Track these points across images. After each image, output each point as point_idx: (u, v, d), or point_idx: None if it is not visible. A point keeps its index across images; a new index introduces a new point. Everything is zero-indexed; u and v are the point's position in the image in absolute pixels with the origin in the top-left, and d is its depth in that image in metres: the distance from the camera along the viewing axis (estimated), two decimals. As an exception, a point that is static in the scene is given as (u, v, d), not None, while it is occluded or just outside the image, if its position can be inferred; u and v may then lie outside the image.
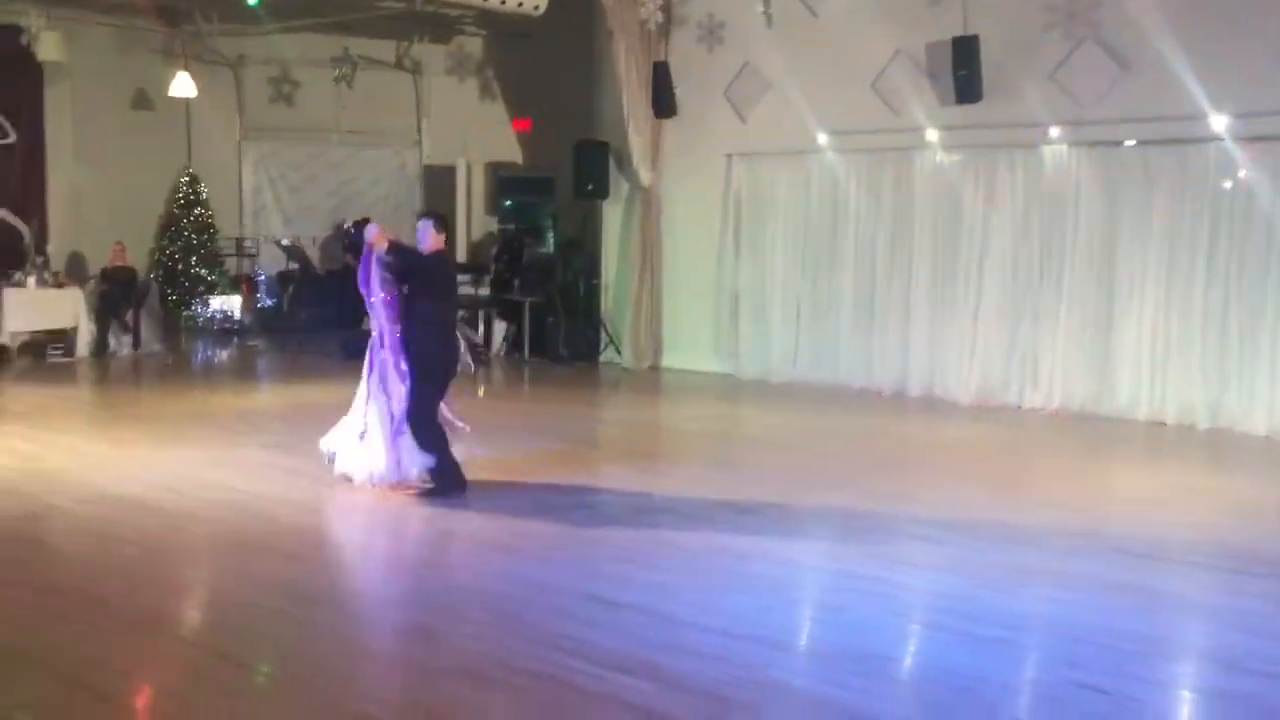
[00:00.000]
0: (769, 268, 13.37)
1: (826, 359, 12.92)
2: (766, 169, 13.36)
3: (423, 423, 7.40)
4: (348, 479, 7.53)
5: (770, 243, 13.35)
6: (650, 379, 13.71)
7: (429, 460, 7.42)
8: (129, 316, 14.78)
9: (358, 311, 15.76)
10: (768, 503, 7.54)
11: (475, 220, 17.59)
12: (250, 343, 15.82)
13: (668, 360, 14.24)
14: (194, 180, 17.23)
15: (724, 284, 13.77)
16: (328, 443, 7.68)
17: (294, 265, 17.23)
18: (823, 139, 12.79)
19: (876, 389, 12.48)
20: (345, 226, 12.67)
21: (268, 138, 17.79)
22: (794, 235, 13.17)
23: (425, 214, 7.72)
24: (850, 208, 12.74)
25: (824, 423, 10.87)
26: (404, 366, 7.35)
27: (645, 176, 14.03)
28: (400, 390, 7.38)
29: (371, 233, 7.42)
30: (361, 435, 7.43)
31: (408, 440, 7.41)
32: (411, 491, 7.40)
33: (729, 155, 13.58)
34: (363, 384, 7.50)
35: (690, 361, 14.00)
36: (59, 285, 14.40)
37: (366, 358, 7.49)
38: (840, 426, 10.71)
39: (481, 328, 15.24)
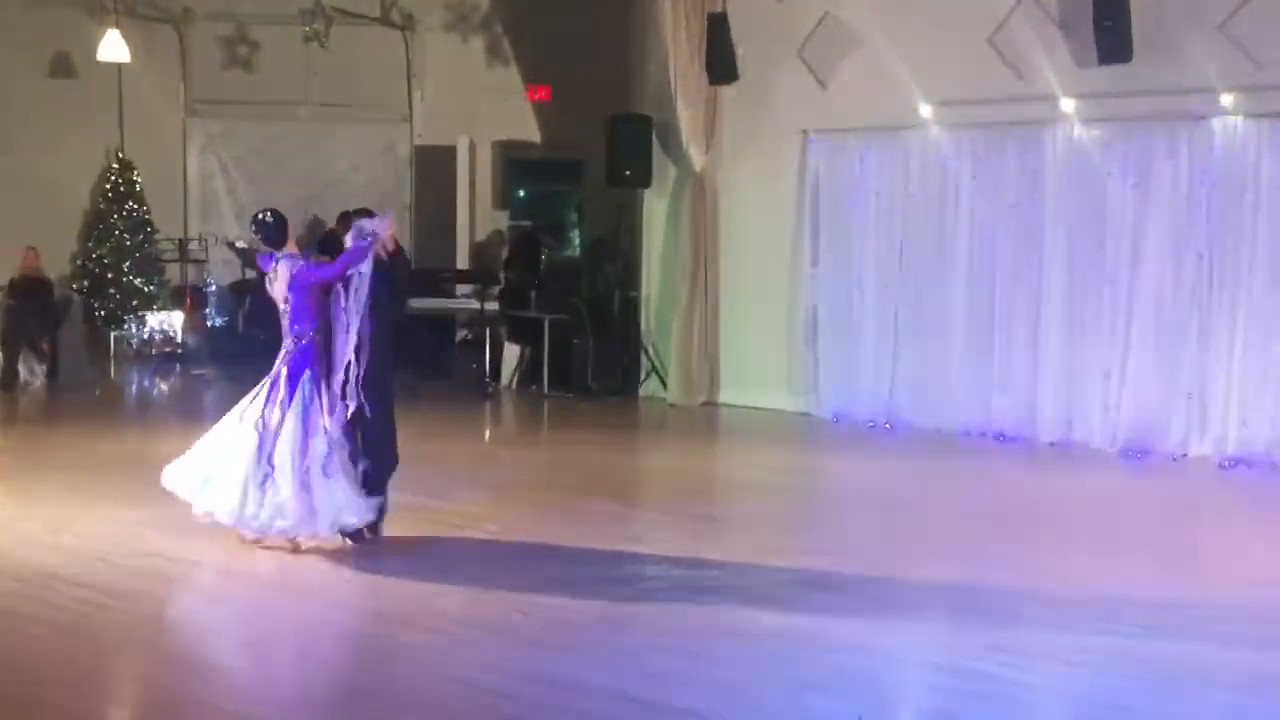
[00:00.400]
0: (856, 276, 13.38)
1: (931, 393, 12.88)
2: (853, 149, 13.36)
3: (382, 455, 7.69)
4: (210, 518, 7.67)
5: (858, 244, 13.36)
6: (704, 418, 13.71)
7: (370, 510, 7.63)
8: (44, 339, 14.91)
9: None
10: (856, 577, 7.52)
11: (480, 215, 17.63)
12: (197, 371, 15.89)
13: (726, 394, 14.23)
14: (126, 166, 17.39)
15: (798, 297, 13.77)
16: (180, 479, 7.74)
17: (251, 273, 17.32)
18: (926, 111, 12.78)
19: (996, 431, 12.42)
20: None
21: (220, 113, 17.93)
22: (889, 234, 13.18)
23: (358, 211, 8.11)
24: (962, 199, 12.70)
25: (927, 474, 10.85)
26: (337, 390, 7.62)
27: (697, 159, 14.03)
28: (323, 423, 7.58)
29: (385, 226, 7.72)
30: (264, 481, 7.51)
31: (341, 486, 7.56)
32: (291, 546, 7.63)
33: (804, 132, 13.58)
34: (252, 406, 7.70)
35: (755, 396, 13.97)
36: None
37: (271, 378, 7.71)
38: (949, 479, 10.68)
39: (488, 354, 15.29)
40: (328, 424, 7.60)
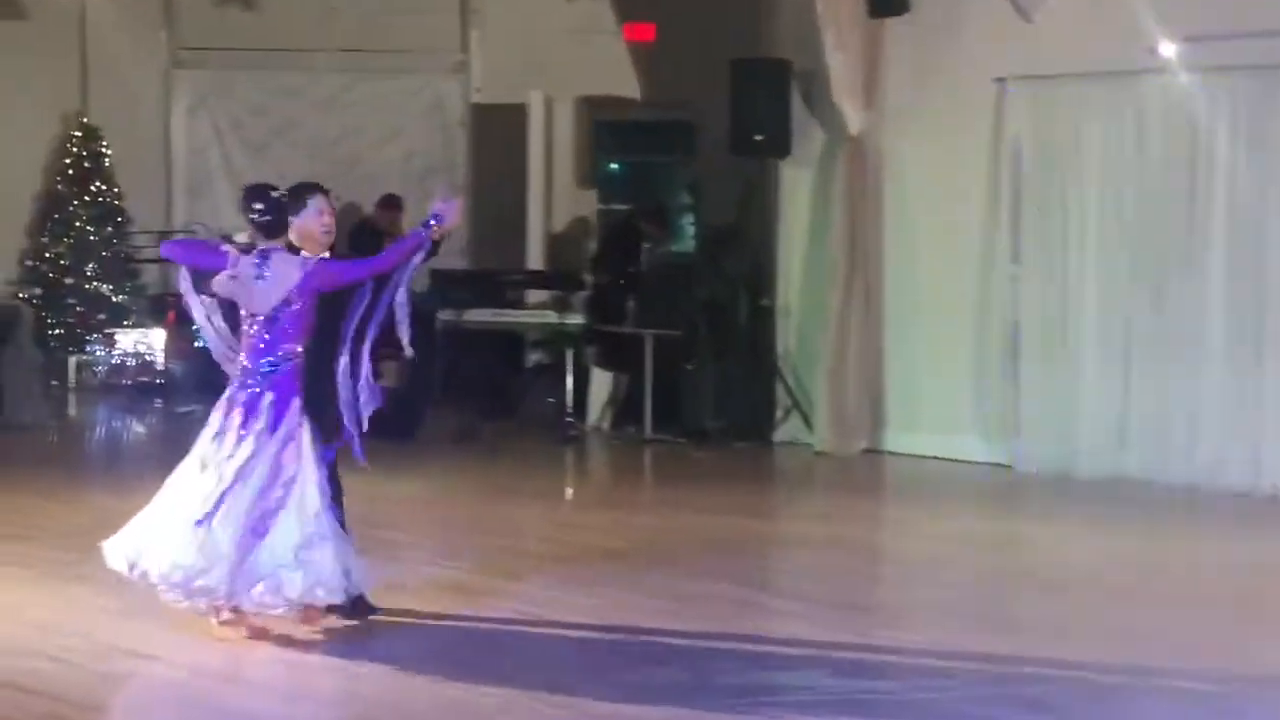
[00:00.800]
0: (1074, 277, 13.30)
1: (1177, 437, 12.75)
2: (1067, 104, 13.31)
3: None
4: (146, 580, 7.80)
5: (1076, 233, 13.27)
6: (864, 471, 13.70)
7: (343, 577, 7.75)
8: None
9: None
10: (1082, 686, 7.39)
11: (559, 196, 17.70)
12: (183, 408, 15.77)
13: (893, 439, 14.21)
14: (91, 135, 17.54)
15: (992, 306, 13.68)
16: (127, 549, 7.82)
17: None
18: (1168, 50, 12.70)
19: (1271, 488, 12.23)
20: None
21: (214, 64, 18.12)
22: (1117, 219, 13.11)
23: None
24: (1218, 170, 12.60)
25: (1178, 548, 10.72)
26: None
27: (854, 120, 13.97)
28: (308, 472, 7.80)
29: (453, 212, 7.93)
30: (253, 532, 7.67)
31: (326, 550, 7.72)
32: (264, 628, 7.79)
33: (1000, 81, 13.48)
34: (217, 446, 7.85)
35: (933, 442, 13.92)
36: None
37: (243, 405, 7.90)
38: (1209, 555, 10.52)
39: (569, 383, 15.26)
40: (313, 471, 7.78)
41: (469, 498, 11.93)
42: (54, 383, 16.38)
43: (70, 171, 17.47)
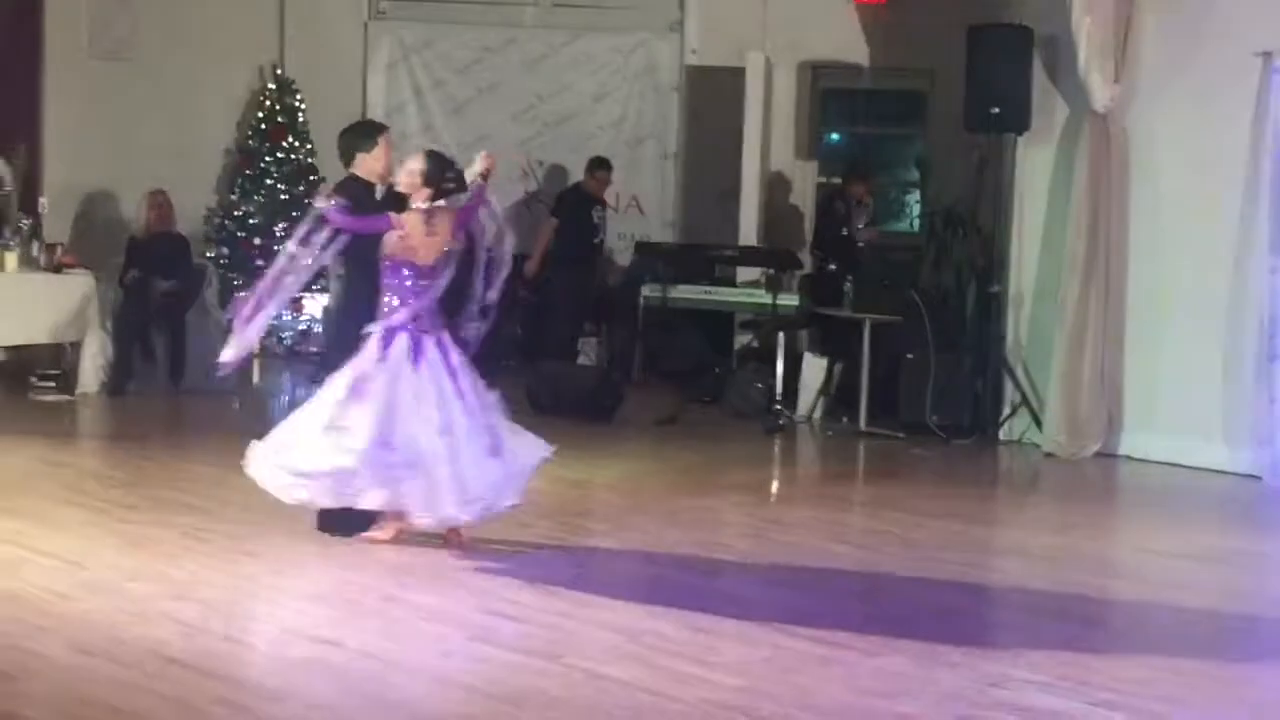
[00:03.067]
0: (1340, 271, 13.01)
1: None
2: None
3: None
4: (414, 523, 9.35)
5: (1346, 223, 12.98)
6: (1097, 476, 13.50)
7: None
8: (164, 328, 15.24)
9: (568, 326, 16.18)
10: None
11: (777, 167, 17.62)
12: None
13: (1131, 443, 13.90)
14: (285, 88, 17.76)
15: (1247, 302, 13.28)
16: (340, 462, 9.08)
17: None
18: None
19: None
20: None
21: (416, 17, 18.29)
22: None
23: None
24: None
25: None
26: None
27: (1101, 94, 13.62)
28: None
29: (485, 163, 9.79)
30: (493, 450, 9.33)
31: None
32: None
33: (1266, 55, 13.08)
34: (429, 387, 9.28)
35: (1174, 448, 13.60)
36: (57, 268, 14.87)
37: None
38: None
39: (780, 369, 15.20)
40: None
41: (667, 488, 11.79)
42: (241, 347, 16.43)
43: (263, 126, 17.65)
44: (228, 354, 9.30)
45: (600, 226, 16.86)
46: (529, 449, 9.47)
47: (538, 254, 16.36)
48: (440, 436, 9.05)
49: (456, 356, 9.29)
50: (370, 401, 9.03)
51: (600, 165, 16.72)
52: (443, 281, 9.33)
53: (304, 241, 9.31)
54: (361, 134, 10.13)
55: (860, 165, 16.43)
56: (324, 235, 9.26)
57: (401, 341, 9.17)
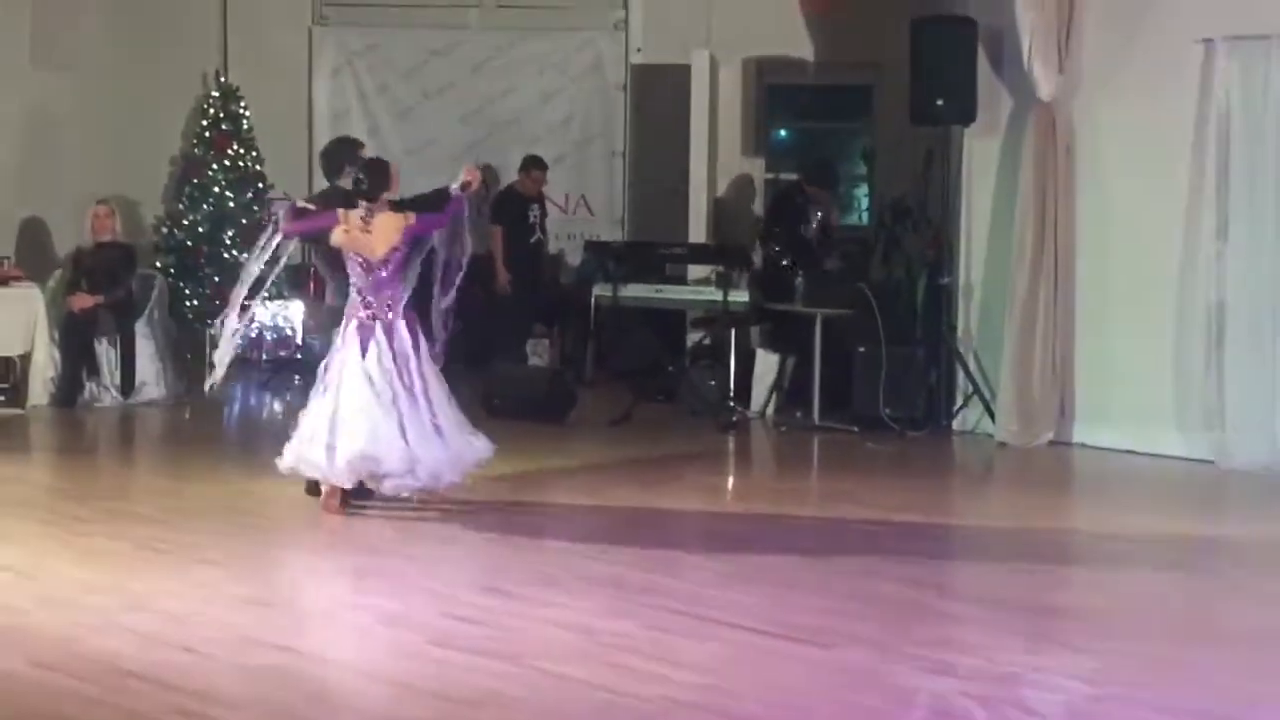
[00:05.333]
0: (1286, 259, 13.10)
1: None
2: (1283, 66, 13.10)
3: None
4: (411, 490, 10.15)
5: (1290, 210, 13.07)
6: (1051, 465, 13.49)
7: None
8: (112, 339, 15.10)
9: (512, 327, 16.20)
10: None
11: (724, 165, 17.65)
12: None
13: (1083, 431, 13.95)
14: (230, 95, 17.68)
15: (1196, 289, 13.33)
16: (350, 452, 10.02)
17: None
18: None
19: None
20: None
21: (360, 20, 18.26)
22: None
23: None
24: None
25: None
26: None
27: (1045, 84, 13.67)
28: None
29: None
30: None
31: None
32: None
33: (1207, 41, 13.13)
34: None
35: (1125, 436, 13.66)
36: (3, 281, 14.83)
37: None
38: None
39: (732, 366, 15.18)
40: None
41: (623, 486, 11.80)
42: (188, 356, 16.37)
43: (207, 133, 17.58)
44: (216, 373, 10.87)
45: (537, 225, 16.83)
46: (470, 445, 10.33)
47: (499, 261, 16.26)
48: (387, 409, 9.96)
49: (410, 342, 10.13)
50: (330, 391, 10.09)
51: (534, 164, 16.68)
52: (399, 274, 10.15)
53: (264, 250, 10.15)
54: (350, 146, 11.15)
55: (820, 164, 16.29)
56: (278, 241, 10.18)
57: (351, 328, 10.07)
